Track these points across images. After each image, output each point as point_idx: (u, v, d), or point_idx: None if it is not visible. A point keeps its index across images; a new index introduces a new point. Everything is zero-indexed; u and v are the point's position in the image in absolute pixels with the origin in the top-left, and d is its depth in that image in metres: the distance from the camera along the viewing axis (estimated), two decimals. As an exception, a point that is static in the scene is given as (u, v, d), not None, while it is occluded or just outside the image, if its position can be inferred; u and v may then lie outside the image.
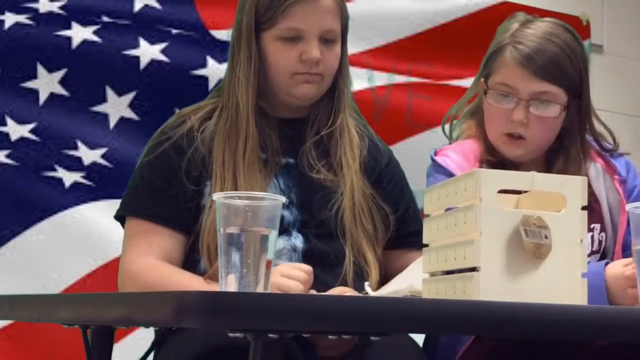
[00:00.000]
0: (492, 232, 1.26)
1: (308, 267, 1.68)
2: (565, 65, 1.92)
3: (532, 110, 1.90)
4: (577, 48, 1.96)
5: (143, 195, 1.89)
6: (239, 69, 1.90)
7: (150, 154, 1.91)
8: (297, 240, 1.86)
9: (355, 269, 1.85)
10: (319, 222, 1.87)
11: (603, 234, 1.95)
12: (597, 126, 2.03)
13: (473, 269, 1.26)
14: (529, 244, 1.25)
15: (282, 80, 1.90)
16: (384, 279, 1.87)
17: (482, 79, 1.99)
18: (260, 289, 1.27)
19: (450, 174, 1.89)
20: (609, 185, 1.98)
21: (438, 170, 1.95)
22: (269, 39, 1.89)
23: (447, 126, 2.11)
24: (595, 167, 2.00)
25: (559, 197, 1.30)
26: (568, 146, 1.98)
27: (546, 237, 1.27)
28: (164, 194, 1.87)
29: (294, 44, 1.88)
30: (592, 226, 1.93)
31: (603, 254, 1.95)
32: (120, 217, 1.94)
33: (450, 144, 2.07)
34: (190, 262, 1.88)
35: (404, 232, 1.96)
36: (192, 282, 1.77)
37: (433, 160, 1.99)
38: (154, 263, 1.82)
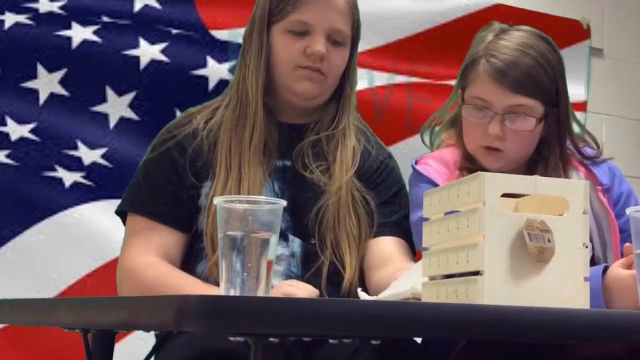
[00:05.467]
0: (495, 236, 1.25)
1: (316, 290, 1.68)
2: (540, 77, 1.88)
3: (507, 124, 1.88)
4: (553, 57, 1.92)
5: (144, 192, 1.90)
6: (250, 59, 1.92)
7: (154, 152, 1.93)
8: (295, 244, 1.86)
9: (330, 269, 1.85)
10: (305, 225, 1.88)
11: (589, 244, 1.93)
12: (585, 136, 2.01)
13: (476, 273, 1.25)
14: (533, 248, 1.25)
15: (285, 73, 1.91)
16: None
17: (460, 90, 1.97)
18: (261, 293, 1.26)
19: (432, 182, 1.88)
20: (593, 195, 1.96)
21: (420, 179, 1.93)
22: (278, 31, 1.92)
23: (427, 134, 2.09)
24: (578, 176, 1.98)
25: (560, 201, 1.30)
26: (547, 156, 1.95)
27: (549, 241, 1.26)
28: (165, 192, 1.88)
29: (301, 37, 1.90)
30: None
31: (591, 263, 1.93)
32: (120, 212, 1.95)
33: (431, 152, 2.06)
34: (188, 262, 1.89)
35: (378, 222, 1.93)
36: (188, 283, 1.78)
37: (414, 169, 1.97)
38: (152, 261, 1.83)
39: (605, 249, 1.93)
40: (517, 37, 1.92)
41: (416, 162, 1.98)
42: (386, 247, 1.92)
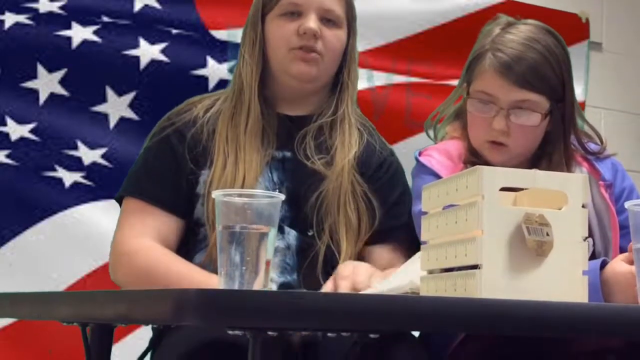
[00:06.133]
0: (494, 230, 1.25)
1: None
2: (546, 72, 1.87)
3: (512, 119, 1.87)
4: (559, 51, 1.91)
5: (143, 178, 1.91)
6: (245, 50, 1.96)
7: (154, 139, 1.94)
8: (291, 237, 1.86)
9: (327, 254, 1.86)
10: (305, 215, 1.88)
11: (590, 239, 1.92)
12: (587, 129, 2.01)
13: (475, 267, 1.25)
14: (531, 242, 1.25)
15: (280, 57, 1.93)
16: None
17: (465, 84, 1.97)
18: (259, 287, 1.26)
19: (435, 174, 1.88)
20: (595, 190, 1.95)
21: (423, 171, 1.93)
22: (271, 19, 1.95)
23: (431, 128, 2.09)
24: (581, 172, 1.97)
25: (559, 195, 1.30)
26: (551, 151, 1.94)
27: (548, 235, 1.26)
28: (164, 177, 1.89)
29: (293, 19, 1.93)
30: None
31: (592, 258, 1.92)
32: (119, 200, 1.95)
33: (435, 144, 2.06)
34: (186, 253, 1.87)
35: (389, 225, 1.94)
36: (185, 268, 1.78)
37: (417, 160, 1.97)
38: (148, 245, 1.82)
39: (607, 245, 1.93)
40: (523, 31, 1.91)
41: (420, 154, 1.98)
42: (402, 253, 1.92)
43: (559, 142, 1.95)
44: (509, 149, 1.90)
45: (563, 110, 1.93)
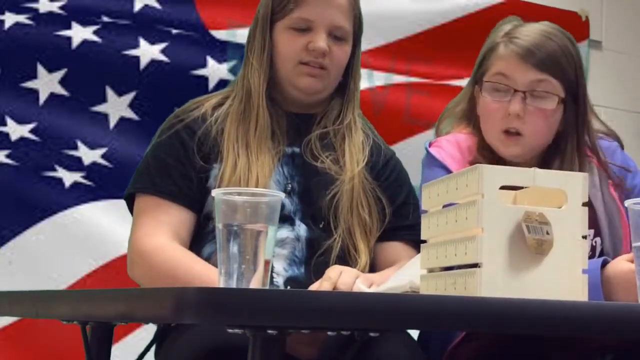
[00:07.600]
0: (494, 228, 1.25)
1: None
2: (562, 62, 1.88)
3: (529, 102, 1.87)
4: (574, 51, 1.92)
5: (154, 173, 1.91)
6: (253, 56, 1.97)
7: (163, 135, 1.94)
8: (301, 229, 1.88)
9: (340, 254, 1.86)
10: (317, 209, 1.89)
11: (598, 238, 1.92)
12: (600, 126, 2.00)
13: (474, 265, 1.25)
14: (531, 240, 1.25)
15: (288, 69, 1.95)
16: (371, 271, 1.89)
17: (475, 83, 1.96)
18: (258, 285, 1.26)
19: (443, 166, 1.89)
20: (605, 189, 1.95)
21: (433, 162, 1.94)
22: (281, 28, 1.96)
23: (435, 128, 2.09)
24: (592, 171, 1.97)
25: (559, 193, 1.30)
26: (564, 148, 1.94)
27: (548, 233, 1.26)
28: (176, 172, 1.89)
29: (303, 34, 1.94)
30: None
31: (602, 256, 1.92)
32: (128, 198, 1.95)
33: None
34: (195, 244, 1.88)
35: (397, 225, 1.97)
36: (200, 268, 1.78)
37: (427, 151, 1.97)
38: (163, 245, 1.82)
39: (617, 245, 1.92)
40: (539, 26, 1.92)
41: (430, 144, 1.98)
42: (409, 252, 1.94)
43: (572, 140, 1.94)
44: (523, 138, 1.88)
45: (577, 109, 1.92)
